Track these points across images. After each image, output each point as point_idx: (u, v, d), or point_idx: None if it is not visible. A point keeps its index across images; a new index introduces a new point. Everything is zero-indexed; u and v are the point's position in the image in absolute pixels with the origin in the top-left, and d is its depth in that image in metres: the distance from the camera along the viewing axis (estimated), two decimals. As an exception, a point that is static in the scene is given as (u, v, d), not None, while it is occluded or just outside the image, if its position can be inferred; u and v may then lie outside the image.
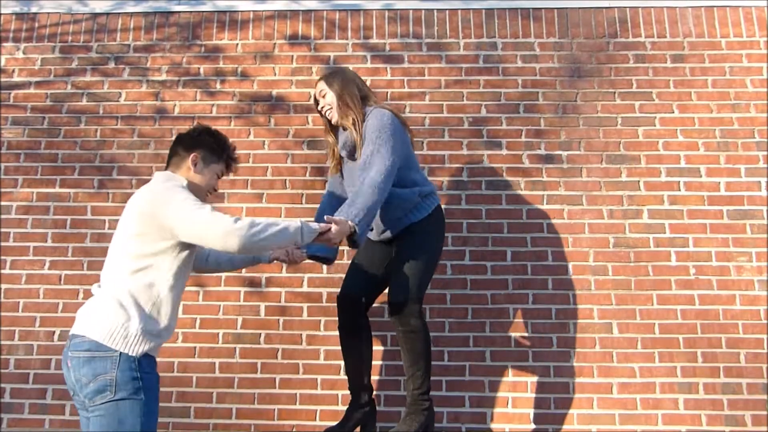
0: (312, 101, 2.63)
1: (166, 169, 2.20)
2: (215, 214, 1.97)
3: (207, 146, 2.19)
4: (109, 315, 1.95)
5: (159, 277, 2.00)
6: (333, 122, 2.53)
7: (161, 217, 1.97)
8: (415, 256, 2.41)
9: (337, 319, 2.60)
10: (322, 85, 2.52)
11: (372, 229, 2.48)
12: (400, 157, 2.39)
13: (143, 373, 1.94)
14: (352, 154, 2.50)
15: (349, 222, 2.17)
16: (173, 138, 3.17)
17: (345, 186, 2.63)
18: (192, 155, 2.16)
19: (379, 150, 2.32)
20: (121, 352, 1.91)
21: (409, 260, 2.40)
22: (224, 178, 2.38)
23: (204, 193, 2.20)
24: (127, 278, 1.98)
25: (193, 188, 2.12)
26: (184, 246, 2.04)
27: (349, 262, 3.04)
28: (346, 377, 2.56)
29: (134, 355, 1.93)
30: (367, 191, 2.24)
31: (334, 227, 2.14)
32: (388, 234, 2.52)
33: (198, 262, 2.35)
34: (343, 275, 3.00)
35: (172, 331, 2.09)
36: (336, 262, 3.01)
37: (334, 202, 2.65)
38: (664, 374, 2.89)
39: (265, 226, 1.99)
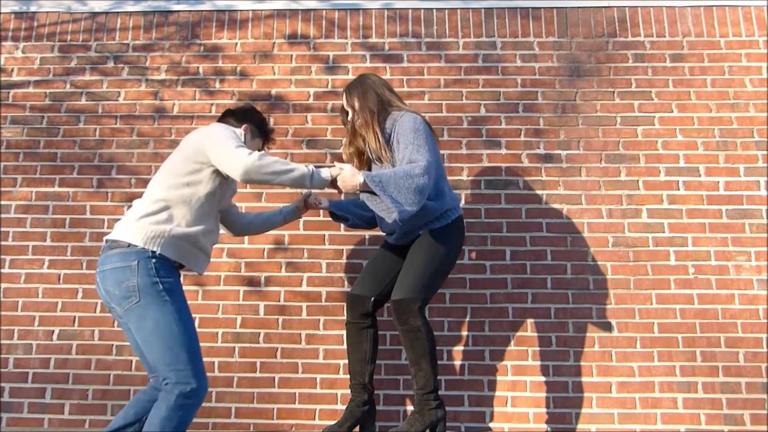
0: (340, 111, 2.65)
1: None
2: (240, 148, 2.22)
3: (255, 122, 2.55)
4: (134, 216, 2.21)
5: (192, 193, 2.25)
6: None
7: (202, 143, 2.27)
8: (425, 259, 2.41)
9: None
10: (345, 98, 2.58)
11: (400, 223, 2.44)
12: (436, 160, 2.41)
13: (161, 278, 2.14)
14: (379, 159, 2.52)
15: (360, 175, 2.28)
16: (171, 138, 3.19)
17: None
18: (243, 126, 2.49)
19: (418, 149, 2.34)
20: (139, 260, 2.12)
21: (417, 262, 2.40)
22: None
23: None
24: (163, 190, 2.23)
25: None
26: (218, 175, 2.29)
27: (358, 262, 3.05)
28: (346, 376, 2.56)
29: (150, 250, 2.14)
30: (399, 172, 2.27)
31: (341, 170, 2.31)
32: (409, 238, 2.52)
33: (236, 221, 2.61)
34: (343, 275, 3.01)
35: (197, 248, 2.27)
36: (347, 261, 3.02)
37: (358, 203, 2.71)
38: (663, 373, 2.89)
39: (274, 162, 2.22)
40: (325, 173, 2.32)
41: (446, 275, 2.49)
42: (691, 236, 3.03)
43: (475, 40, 3.29)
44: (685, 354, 2.90)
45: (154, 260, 2.15)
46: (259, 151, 2.47)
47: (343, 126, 2.71)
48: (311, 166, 2.30)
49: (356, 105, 2.52)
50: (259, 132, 2.56)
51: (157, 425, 2.09)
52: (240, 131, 2.41)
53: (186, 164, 2.27)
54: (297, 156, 3.17)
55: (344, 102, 2.59)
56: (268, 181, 2.23)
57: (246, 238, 3.06)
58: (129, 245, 2.15)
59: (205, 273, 2.96)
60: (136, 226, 2.18)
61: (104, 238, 2.25)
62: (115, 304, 2.16)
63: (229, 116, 2.54)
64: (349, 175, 2.31)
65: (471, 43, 3.29)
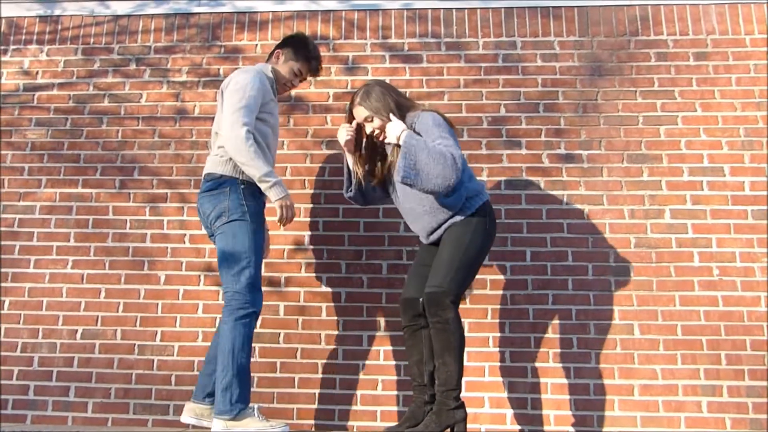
0: (349, 121, 2.61)
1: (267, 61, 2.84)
2: (243, 114, 2.48)
3: (290, 46, 2.78)
4: (218, 155, 2.59)
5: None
6: (386, 142, 2.55)
7: (227, 86, 2.62)
8: (451, 252, 2.41)
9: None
10: (364, 111, 2.52)
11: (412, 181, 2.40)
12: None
13: (248, 202, 2.52)
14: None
15: (404, 127, 2.43)
16: (192, 139, 3.22)
17: (401, 203, 2.61)
18: (277, 51, 2.79)
19: (447, 143, 2.37)
20: (230, 187, 2.52)
21: (445, 255, 2.42)
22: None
23: (282, 84, 2.78)
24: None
25: (276, 75, 2.75)
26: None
27: (378, 262, 3.05)
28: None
29: (238, 178, 2.52)
30: (437, 150, 2.33)
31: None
32: (436, 236, 2.53)
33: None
34: (362, 275, 3.02)
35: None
36: (366, 262, 3.02)
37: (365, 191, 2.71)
38: (687, 376, 2.85)
39: (254, 149, 2.46)
40: (277, 194, 2.49)
41: (476, 265, 2.46)
42: (715, 237, 2.99)
43: (495, 39, 3.27)
44: (709, 357, 2.86)
45: (242, 186, 2.53)
46: (297, 75, 2.76)
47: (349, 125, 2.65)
48: (280, 180, 2.52)
49: (382, 113, 2.49)
50: (294, 55, 2.75)
51: (226, 341, 2.41)
52: (274, 57, 2.76)
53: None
54: (317, 156, 3.17)
55: (365, 115, 2.52)
56: (239, 156, 2.45)
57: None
58: (221, 176, 2.54)
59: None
60: (223, 160, 2.55)
61: (203, 175, 2.65)
62: (210, 224, 2.55)
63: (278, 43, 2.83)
64: (393, 126, 2.45)
65: (491, 42, 3.27)
